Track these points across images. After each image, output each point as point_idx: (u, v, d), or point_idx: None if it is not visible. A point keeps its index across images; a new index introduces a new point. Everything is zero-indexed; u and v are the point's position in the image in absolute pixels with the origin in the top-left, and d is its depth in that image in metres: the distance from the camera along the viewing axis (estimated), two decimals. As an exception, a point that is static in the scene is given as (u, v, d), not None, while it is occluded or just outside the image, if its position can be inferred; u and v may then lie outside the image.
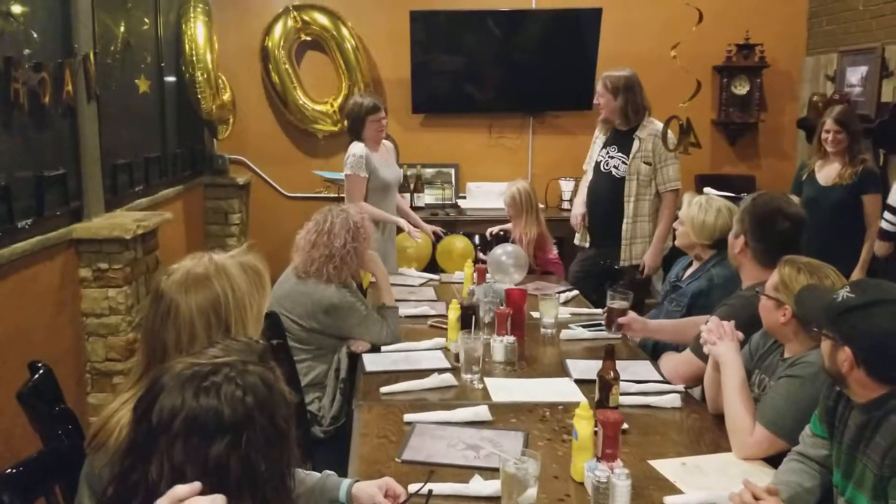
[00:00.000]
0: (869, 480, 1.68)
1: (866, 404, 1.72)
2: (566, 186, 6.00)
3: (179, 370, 1.15)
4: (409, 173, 5.93)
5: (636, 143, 4.29)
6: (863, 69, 5.18)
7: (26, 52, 3.16)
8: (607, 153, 4.43)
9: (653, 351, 3.21)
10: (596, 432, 1.99)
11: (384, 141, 4.54)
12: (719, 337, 2.33)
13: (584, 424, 1.97)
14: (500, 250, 4.10)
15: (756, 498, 1.70)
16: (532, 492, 1.73)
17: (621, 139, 4.39)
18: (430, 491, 1.78)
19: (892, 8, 4.93)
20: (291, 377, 2.85)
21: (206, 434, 1.09)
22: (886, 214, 3.87)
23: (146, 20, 4.72)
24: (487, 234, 4.89)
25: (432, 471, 1.73)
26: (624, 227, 4.35)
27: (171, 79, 5.22)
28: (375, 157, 4.37)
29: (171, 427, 1.09)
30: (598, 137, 4.58)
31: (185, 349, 1.55)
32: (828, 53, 5.69)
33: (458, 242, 5.25)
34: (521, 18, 6.02)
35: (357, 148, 4.34)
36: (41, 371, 2.07)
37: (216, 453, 1.08)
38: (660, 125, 4.26)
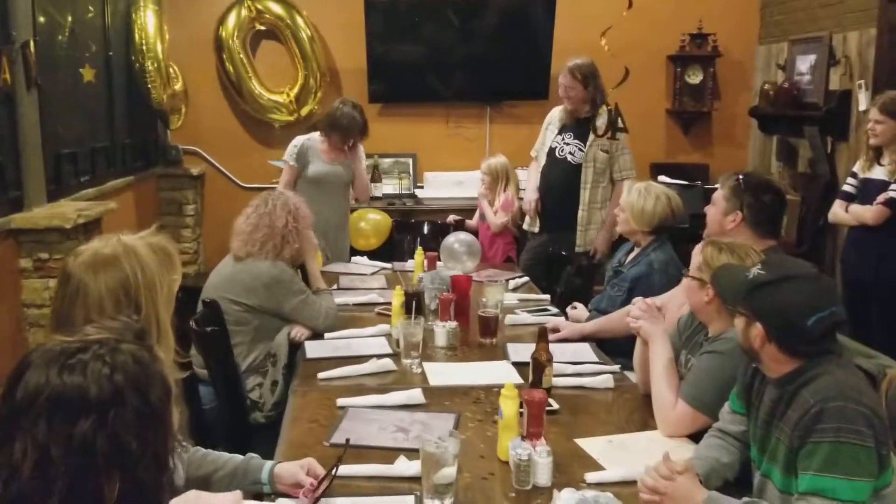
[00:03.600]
0: (781, 453, 1.71)
1: (779, 379, 1.75)
2: (523, 175, 5.97)
3: (49, 347, 1.13)
4: (366, 163, 5.91)
5: (592, 132, 4.22)
6: (811, 58, 5.24)
7: (-43, 37, 3.10)
8: (562, 139, 4.44)
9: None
10: (521, 412, 2.00)
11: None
12: (648, 315, 2.35)
13: (509, 404, 1.98)
14: (452, 238, 4.11)
15: (672, 471, 1.72)
16: (450, 471, 1.73)
17: (576, 126, 4.41)
18: (348, 440, 1.83)
19: (840, -2, 5.00)
20: (229, 364, 2.84)
21: (70, 412, 1.07)
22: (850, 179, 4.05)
23: (91, 8, 4.65)
24: (449, 219, 4.91)
25: (345, 450, 1.74)
26: (580, 213, 4.39)
27: (120, 68, 5.14)
28: (315, 151, 4.40)
29: (35, 405, 1.07)
30: (552, 124, 4.58)
31: None
32: (779, 42, 5.76)
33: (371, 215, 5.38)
34: (477, 7, 6.01)
35: (300, 139, 4.46)
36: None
37: (81, 431, 1.06)
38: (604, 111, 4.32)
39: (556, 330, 3.04)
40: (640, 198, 3.17)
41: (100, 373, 1.09)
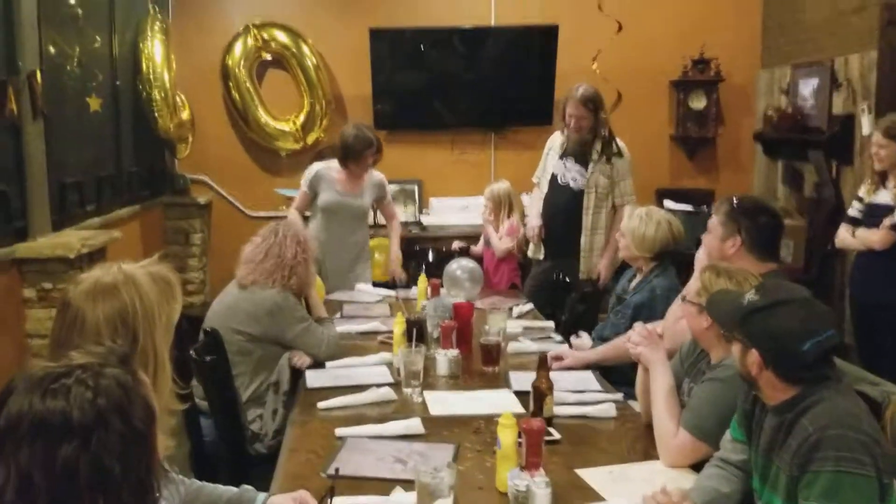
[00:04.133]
0: (782, 483, 1.69)
1: (778, 406, 1.73)
2: (527, 200, 6.01)
3: (32, 373, 1.13)
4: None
5: (595, 156, 4.28)
6: (814, 81, 5.24)
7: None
8: (563, 165, 4.40)
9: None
10: (520, 442, 1.98)
11: (374, 172, 4.51)
12: (648, 342, 2.32)
13: (507, 434, 1.96)
14: (454, 265, 4.10)
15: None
16: (446, 502, 1.71)
17: (578, 152, 4.36)
18: (337, 469, 1.85)
19: (841, 22, 5.00)
20: (229, 395, 2.83)
21: (53, 437, 1.07)
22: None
23: (98, 38, 4.70)
24: (454, 246, 4.90)
25: (332, 485, 1.72)
26: (583, 239, 4.36)
27: (127, 97, 5.19)
28: (330, 180, 4.38)
29: (18, 430, 1.07)
30: (553, 149, 4.54)
31: None
32: (782, 67, 5.76)
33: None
34: (481, 35, 6.06)
35: (316, 165, 4.46)
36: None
37: (64, 456, 1.06)
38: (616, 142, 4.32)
39: (559, 358, 3.01)
40: (641, 223, 3.16)
41: (83, 397, 1.09)
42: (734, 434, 1.94)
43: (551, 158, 4.52)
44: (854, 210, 4.02)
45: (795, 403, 1.69)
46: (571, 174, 4.37)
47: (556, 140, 4.55)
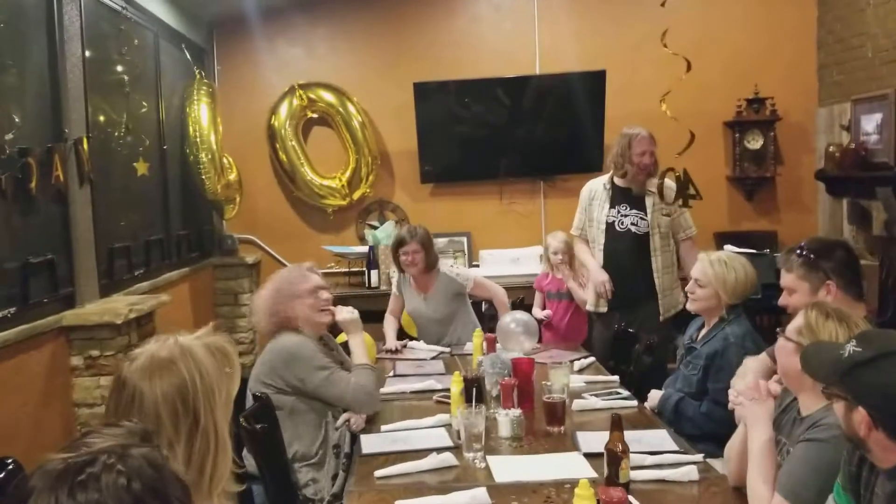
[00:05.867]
0: None
1: (893, 469, 1.52)
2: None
3: (50, 467, 0.99)
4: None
5: (651, 198, 4.23)
6: (877, 116, 5.03)
7: (9, 136, 3.11)
8: (618, 212, 4.32)
9: (674, 411, 3.00)
10: (599, 514, 1.80)
11: (444, 272, 4.38)
12: (753, 398, 2.13)
13: (584, 506, 1.78)
14: (508, 318, 3.95)
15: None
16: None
17: (631, 197, 4.30)
18: None
19: (902, 53, 4.81)
20: (280, 460, 2.69)
21: None
22: None
23: (145, 104, 4.72)
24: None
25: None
26: (657, 280, 4.27)
27: (174, 161, 5.20)
28: (407, 286, 4.43)
29: None
30: (597, 199, 4.43)
31: None
32: (841, 103, 5.57)
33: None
34: (526, 84, 5.97)
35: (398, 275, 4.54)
36: (9, 468, 1.93)
37: None
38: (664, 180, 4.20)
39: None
40: (729, 269, 2.98)
41: (115, 484, 0.96)
42: (838, 499, 1.73)
43: (597, 208, 4.41)
44: None
45: None
46: (631, 219, 4.30)
47: (595, 188, 4.47)
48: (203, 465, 1.47)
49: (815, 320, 1.99)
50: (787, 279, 2.60)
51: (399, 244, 4.27)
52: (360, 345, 3.19)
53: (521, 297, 4.85)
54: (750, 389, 2.15)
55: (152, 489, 0.99)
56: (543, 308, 4.71)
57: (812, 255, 2.52)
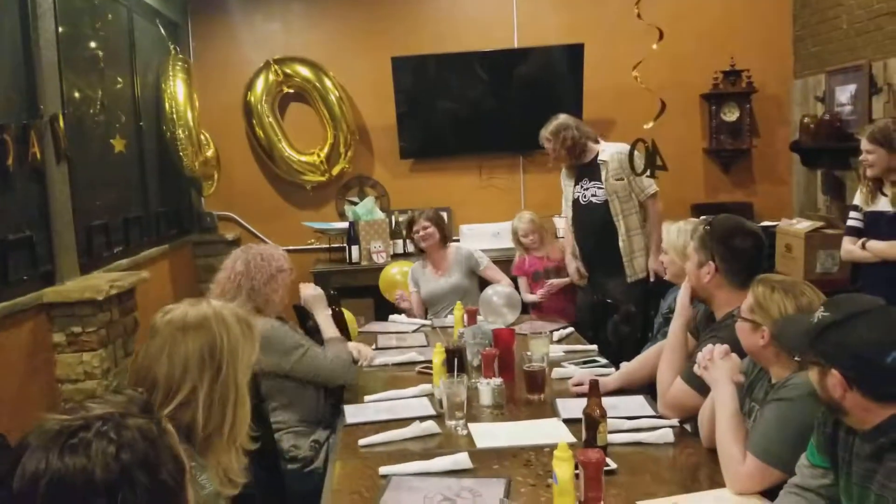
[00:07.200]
0: None
1: (871, 431, 1.57)
2: (560, 223, 5.89)
3: (47, 427, 1.01)
4: (400, 219, 5.86)
5: (602, 167, 4.41)
6: (851, 87, 5.09)
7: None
8: (582, 187, 4.52)
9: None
10: (577, 475, 1.84)
11: (460, 248, 4.60)
12: (706, 364, 2.18)
13: (563, 467, 1.82)
14: (490, 290, 3.98)
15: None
16: (505, 544, 1.58)
17: (588, 170, 4.50)
18: None
19: (877, 24, 4.86)
20: (261, 427, 2.72)
21: (74, 496, 0.96)
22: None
23: (120, 80, 4.68)
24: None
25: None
26: (621, 244, 4.39)
27: (151, 138, 5.16)
28: (422, 273, 4.53)
29: (35, 492, 0.96)
30: (566, 179, 4.66)
31: (174, 385, 1.62)
32: (816, 75, 5.62)
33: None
34: (505, 58, 5.97)
35: (413, 265, 4.68)
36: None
37: None
38: (614, 145, 4.47)
39: (580, 385, 2.85)
40: (682, 234, 3.03)
41: (104, 452, 0.98)
42: (812, 459, 1.78)
43: (568, 188, 4.64)
44: (854, 220, 3.85)
45: (890, 428, 1.53)
46: (591, 191, 4.47)
47: (564, 171, 4.70)
48: (224, 412, 1.64)
49: (762, 295, 2.05)
50: (688, 248, 2.66)
51: (410, 223, 4.51)
52: (326, 318, 3.21)
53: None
54: (704, 356, 2.21)
55: (142, 462, 1.01)
56: (530, 292, 4.68)
57: (709, 234, 2.54)
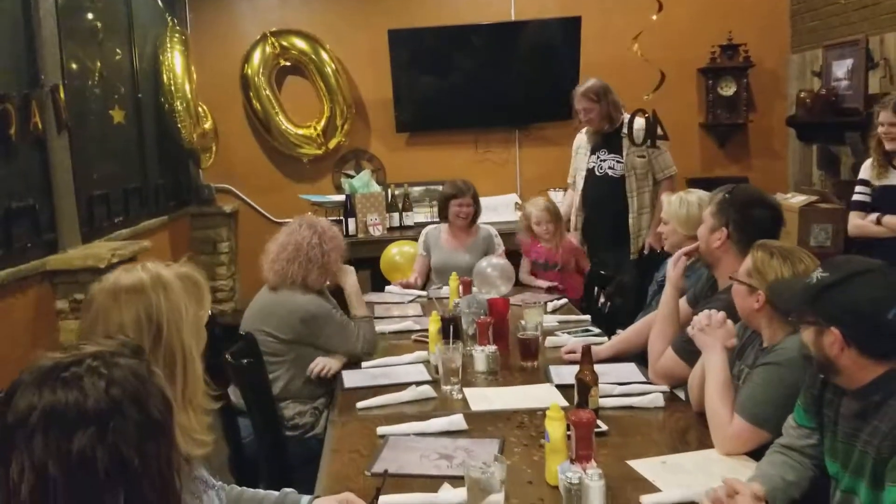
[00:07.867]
0: (868, 467, 1.58)
1: (861, 390, 1.62)
2: (556, 197, 5.90)
3: (40, 364, 1.06)
4: (396, 192, 5.89)
5: (626, 141, 4.34)
6: (848, 62, 5.11)
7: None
8: (598, 157, 4.49)
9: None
10: (569, 435, 1.90)
11: (482, 227, 4.52)
12: (702, 328, 2.23)
13: (555, 426, 1.88)
14: (485, 262, 4.03)
15: (735, 492, 1.61)
16: (497, 497, 1.64)
17: (609, 141, 4.44)
18: (386, 470, 1.77)
19: (874, 0, 4.87)
20: (266, 397, 2.78)
21: (66, 425, 1.00)
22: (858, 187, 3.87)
23: (119, 51, 4.69)
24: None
25: (380, 485, 1.63)
26: (630, 221, 4.43)
27: (149, 110, 5.18)
28: (437, 240, 4.47)
29: (28, 422, 1.00)
30: (581, 147, 4.62)
31: None
32: (813, 49, 5.63)
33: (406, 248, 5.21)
34: (501, 31, 5.97)
35: (427, 228, 4.61)
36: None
37: (80, 446, 0.99)
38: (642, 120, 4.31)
39: (572, 352, 2.92)
40: (683, 205, 3.09)
41: (96, 386, 1.03)
42: (799, 420, 1.84)
43: (582, 156, 4.59)
44: (862, 195, 3.83)
45: (883, 384, 1.58)
46: (609, 163, 4.45)
47: (581, 139, 4.65)
48: (173, 375, 1.53)
49: (760, 260, 2.09)
50: (705, 210, 2.71)
51: (453, 196, 4.36)
52: (357, 294, 3.28)
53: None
54: (701, 319, 2.25)
55: (132, 397, 1.05)
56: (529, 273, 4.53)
57: (728, 200, 2.58)
